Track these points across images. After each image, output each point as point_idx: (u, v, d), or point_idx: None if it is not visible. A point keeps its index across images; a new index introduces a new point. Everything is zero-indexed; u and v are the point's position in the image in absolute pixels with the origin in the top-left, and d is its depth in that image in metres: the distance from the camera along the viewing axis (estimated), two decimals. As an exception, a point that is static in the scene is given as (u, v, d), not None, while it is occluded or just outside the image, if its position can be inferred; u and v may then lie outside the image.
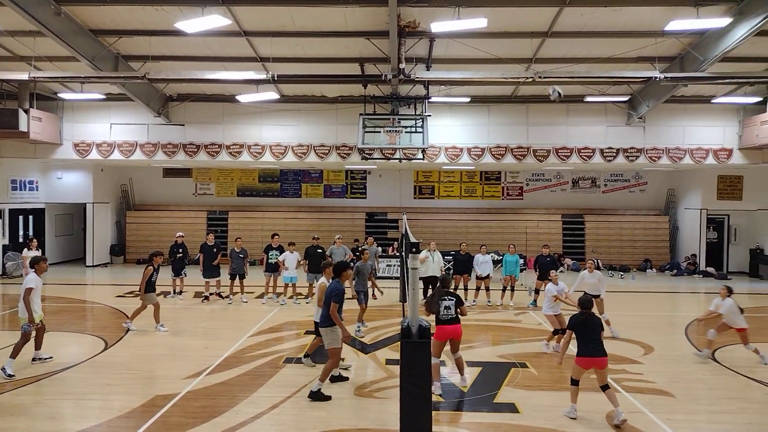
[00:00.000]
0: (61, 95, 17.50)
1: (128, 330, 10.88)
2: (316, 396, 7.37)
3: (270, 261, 14.16)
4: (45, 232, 20.80)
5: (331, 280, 8.04)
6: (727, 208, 20.78)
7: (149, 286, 11.01)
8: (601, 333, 7.05)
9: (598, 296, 10.73)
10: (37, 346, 8.88)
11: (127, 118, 18.35)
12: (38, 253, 13.97)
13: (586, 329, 6.99)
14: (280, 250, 14.24)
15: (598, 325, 7.10)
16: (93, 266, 20.87)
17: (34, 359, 8.81)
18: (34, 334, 8.61)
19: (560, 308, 9.91)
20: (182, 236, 14.91)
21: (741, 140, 17.88)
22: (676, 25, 11.65)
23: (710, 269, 20.35)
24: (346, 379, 8.15)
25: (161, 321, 11.12)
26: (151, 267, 11.02)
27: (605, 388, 6.84)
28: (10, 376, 8.10)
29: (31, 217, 20.38)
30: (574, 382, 7.02)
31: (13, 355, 8.29)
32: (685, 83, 14.90)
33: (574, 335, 7.14)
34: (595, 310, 7.64)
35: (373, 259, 14.72)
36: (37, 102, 17.35)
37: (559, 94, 13.06)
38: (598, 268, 11.95)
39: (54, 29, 12.11)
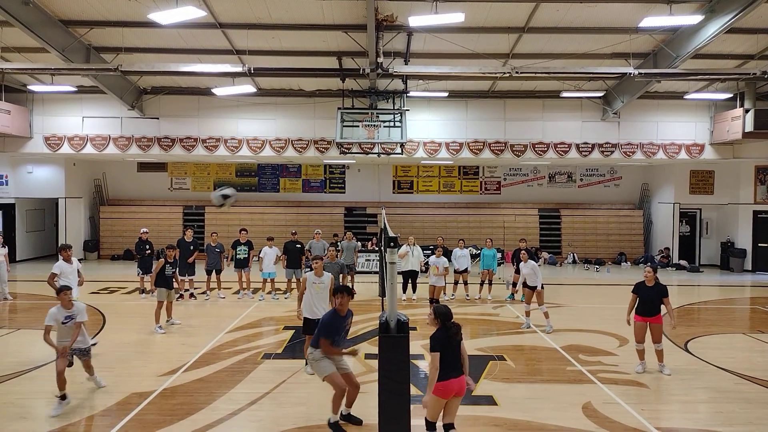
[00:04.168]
0: (31, 87, 17.05)
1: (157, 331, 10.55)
2: (334, 428, 6.35)
3: (238, 257, 14.00)
4: (15, 227, 20.30)
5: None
6: (699, 203, 21.23)
7: (162, 280, 10.71)
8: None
9: (535, 287, 10.86)
10: None
11: (100, 111, 17.97)
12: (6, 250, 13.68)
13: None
14: (249, 245, 14.08)
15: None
16: (65, 263, 20.41)
17: None
18: None
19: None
20: (147, 232, 14.49)
21: (712, 136, 18.27)
22: (649, 21, 11.83)
23: (683, 262, 20.79)
24: (359, 422, 6.54)
25: (160, 322, 10.71)
26: (163, 260, 10.77)
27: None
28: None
29: (0, 212, 19.86)
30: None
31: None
32: (659, 79, 15.17)
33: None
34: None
35: (353, 255, 14.67)
36: (6, 94, 16.91)
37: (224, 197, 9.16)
38: (534, 258, 11.82)
39: (22, 19, 11.78)
